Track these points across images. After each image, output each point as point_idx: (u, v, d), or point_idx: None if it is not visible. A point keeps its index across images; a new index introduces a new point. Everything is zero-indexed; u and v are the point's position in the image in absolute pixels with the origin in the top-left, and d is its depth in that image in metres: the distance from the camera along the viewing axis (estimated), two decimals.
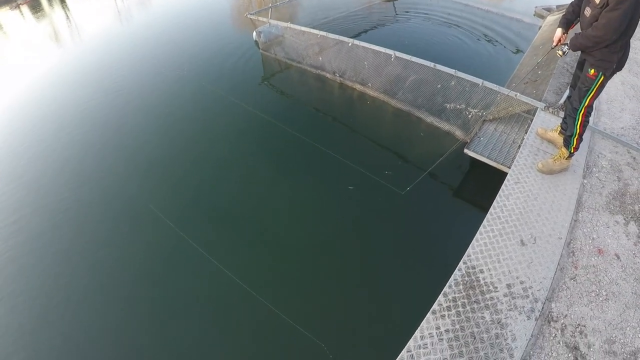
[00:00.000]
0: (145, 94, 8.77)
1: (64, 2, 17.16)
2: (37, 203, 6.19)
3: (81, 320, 4.60)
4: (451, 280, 3.66)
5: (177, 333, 4.37)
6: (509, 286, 3.57)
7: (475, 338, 3.24)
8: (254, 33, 9.72)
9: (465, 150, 5.47)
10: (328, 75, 8.49)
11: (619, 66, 3.94)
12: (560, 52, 4.22)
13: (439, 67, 6.39)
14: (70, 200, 6.15)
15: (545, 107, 5.57)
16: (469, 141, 5.63)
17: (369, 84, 7.74)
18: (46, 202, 6.20)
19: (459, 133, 6.28)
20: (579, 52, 4.14)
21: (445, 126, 6.57)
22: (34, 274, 5.18)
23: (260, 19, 9.53)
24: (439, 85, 6.48)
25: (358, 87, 7.96)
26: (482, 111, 5.95)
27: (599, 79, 3.96)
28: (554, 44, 4.37)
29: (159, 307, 4.64)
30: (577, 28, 4.25)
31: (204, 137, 7.21)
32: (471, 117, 6.09)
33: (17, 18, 15.79)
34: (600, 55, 3.84)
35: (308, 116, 7.54)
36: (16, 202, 6.27)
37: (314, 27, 8.49)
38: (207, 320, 4.50)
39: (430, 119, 6.78)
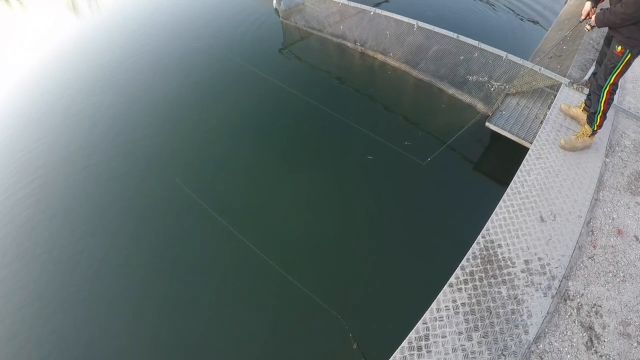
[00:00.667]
0: (166, 62, 8.70)
1: None
2: (64, 167, 6.31)
3: (110, 275, 4.85)
4: (469, 254, 3.63)
5: (200, 300, 4.51)
6: (526, 262, 3.54)
7: (491, 313, 3.23)
8: (274, 0, 9.48)
9: (487, 124, 5.37)
10: (349, 44, 8.29)
11: None
12: (588, 26, 4.09)
13: (462, 38, 6.23)
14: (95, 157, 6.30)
15: (569, 82, 5.44)
16: (490, 114, 5.52)
17: (391, 54, 7.56)
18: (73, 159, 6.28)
19: (480, 106, 6.15)
20: (606, 28, 3.99)
21: (467, 98, 6.44)
22: (68, 229, 5.41)
23: None
24: (462, 57, 6.33)
25: (379, 56, 7.78)
26: (504, 84, 5.82)
27: (626, 57, 3.85)
28: (582, 17, 4.23)
29: (183, 273, 4.77)
30: (606, 3, 4.10)
31: (223, 105, 7.19)
32: (493, 90, 5.96)
33: None
34: (628, 33, 3.71)
35: (328, 85, 7.41)
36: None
37: None
38: (229, 289, 4.60)
39: (452, 90, 6.64)
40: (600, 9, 3.80)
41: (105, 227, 5.34)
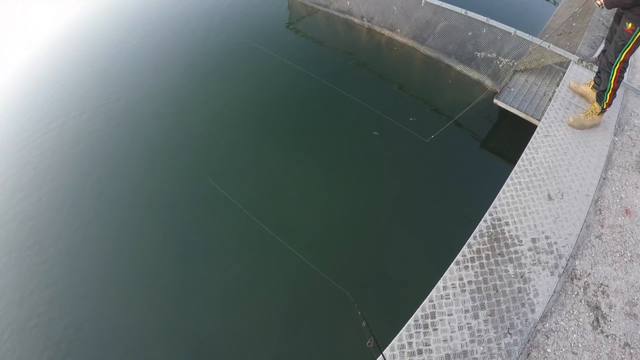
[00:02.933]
0: (170, 45, 8.63)
1: None
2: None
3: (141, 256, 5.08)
4: (476, 232, 3.59)
5: (219, 277, 4.70)
6: (533, 240, 3.50)
7: (497, 291, 3.20)
8: None
9: (495, 100, 5.28)
10: (356, 20, 8.09)
11: None
12: (598, 2, 3.97)
13: (471, 14, 6.10)
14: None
15: (578, 60, 5.33)
16: (498, 91, 5.43)
17: (398, 30, 7.40)
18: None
19: (488, 82, 6.05)
20: None
21: (475, 75, 6.33)
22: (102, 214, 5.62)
23: None
24: (470, 33, 6.20)
25: (386, 32, 7.61)
26: (513, 61, 5.71)
27: (637, 34, 3.75)
28: None
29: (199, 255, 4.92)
30: None
31: (230, 86, 7.18)
32: (502, 66, 5.85)
33: None
34: (639, 10, 3.61)
35: (334, 62, 7.31)
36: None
37: None
38: (243, 265, 4.73)
39: (459, 67, 6.52)
40: None
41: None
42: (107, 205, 5.68)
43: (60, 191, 6.10)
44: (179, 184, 5.59)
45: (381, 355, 2.70)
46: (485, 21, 5.91)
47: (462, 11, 6.13)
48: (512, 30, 5.68)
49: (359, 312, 2.87)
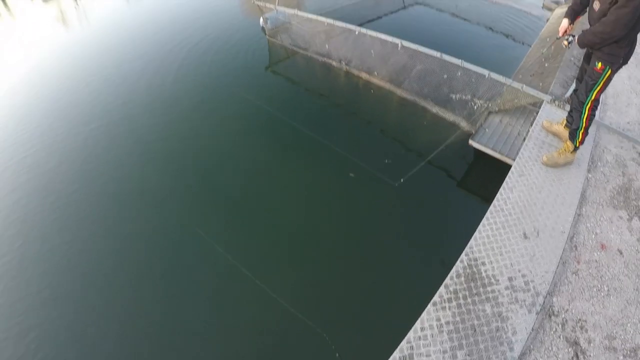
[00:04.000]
0: (145, 86, 8.65)
1: None
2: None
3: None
4: (452, 272, 3.64)
5: (181, 318, 4.44)
6: (510, 279, 3.56)
7: (475, 330, 3.23)
8: (261, 19, 9.62)
9: (470, 141, 5.44)
10: (334, 63, 8.41)
11: (626, 60, 3.89)
12: (565, 42, 4.16)
13: (446, 57, 6.31)
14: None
15: (551, 99, 5.53)
16: (474, 132, 5.59)
17: (375, 73, 7.67)
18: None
19: (464, 124, 6.23)
20: None
21: (450, 117, 6.52)
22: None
23: (268, 5, 9.39)
24: (445, 76, 6.42)
25: (364, 75, 7.89)
26: (488, 102, 5.90)
27: (606, 73, 3.91)
28: (560, 34, 4.31)
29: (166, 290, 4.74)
30: (583, 19, 4.19)
31: (206, 126, 7.21)
32: (477, 108, 6.04)
33: None
34: (607, 50, 3.79)
35: (312, 104, 7.47)
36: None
37: (321, 15, 8.35)
38: (209, 305, 4.55)
39: (435, 109, 6.73)
40: (582, 30, 3.87)
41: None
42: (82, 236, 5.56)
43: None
44: (159, 227, 5.49)
45: None
46: (459, 64, 6.11)
47: (438, 54, 6.34)
48: (486, 72, 5.86)
49: (337, 354, 2.88)
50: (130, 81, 8.82)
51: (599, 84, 4.01)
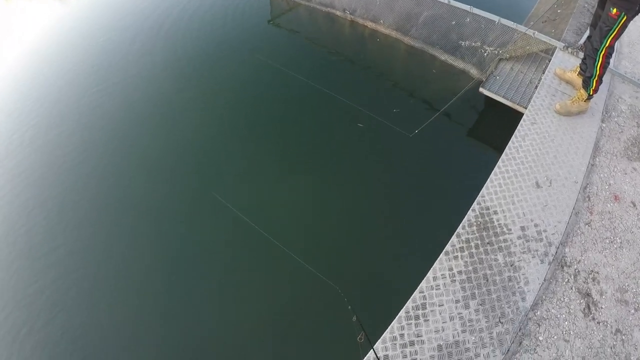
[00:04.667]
0: (151, 43, 8.41)
1: None
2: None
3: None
4: (464, 221, 3.55)
5: (209, 281, 4.63)
6: (523, 229, 3.46)
7: (487, 280, 3.16)
8: None
9: (481, 89, 5.24)
10: (338, 13, 7.96)
11: None
12: None
13: (454, 2, 6.09)
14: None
15: (564, 46, 5.31)
16: (484, 80, 5.38)
17: (381, 21, 7.30)
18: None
19: (474, 71, 6.01)
20: None
21: (460, 64, 6.27)
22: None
23: None
24: (454, 22, 6.16)
25: (369, 24, 7.50)
26: (498, 49, 5.68)
27: (621, 19, 3.71)
28: None
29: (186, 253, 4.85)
30: None
31: (210, 83, 7.04)
32: (487, 55, 5.81)
33: None
34: None
35: (317, 57, 7.17)
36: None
37: None
38: (231, 263, 4.69)
39: (444, 56, 6.46)
40: None
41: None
42: (98, 209, 5.55)
43: (57, 196, 5.92)
44: (175, 191, 5.49)
45: (372, 350, 2.64)
46: (468, 10, 5.90)
47: (445, 0, 6.11)
48: (496, 18, 5.67)
49: (350, 307, 2.82)
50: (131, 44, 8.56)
51: (614, 31, 3.82)
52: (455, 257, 3.30)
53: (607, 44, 3.91)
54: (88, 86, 7.55)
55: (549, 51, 5.40)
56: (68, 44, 9.21)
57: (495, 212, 3.57)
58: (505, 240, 3.38)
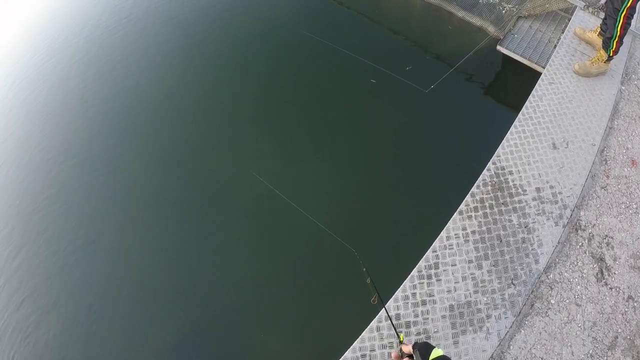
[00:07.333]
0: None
1: None
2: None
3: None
4: (479, 181, 3.44)
5: (237, 236, 4.78)
6: (538, 190, 3.37)
7: (501, 241, 3.08)
8: None
9: (498, 47, 5.05)
10: None
11: None
12: None
13: None
14: None
15: (584, 6, 5.10)
16: (502, 38, 5.18)
17: None
18: None
19: (491, 29, 5.77)
20: None
21: (477, 21, 6.02)
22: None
23: None
24: None
25: None
26: (516, 7, 5.45)
27: None
28: None
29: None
30: None
31: (218, 48, 6.87)
32: (505, 12, 5.57)
33: None
34: None
35: (330, 12, 6.90)
36: None
37: None
38: (252, 223, 4.81)
39: (461, 13, 6.18)
40: None
41: None
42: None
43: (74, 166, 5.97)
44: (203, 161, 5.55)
45: (384, 309, 2.59)
46: None
47: None
48: None
49: (364, 269, 2.75)
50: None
51: None
52: (469, 217, 3.21)
53: (628, 5, 3.75)
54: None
55: (569, 10, 5.19)
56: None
57: (511, 173, 3.47)
58: (520, 202, 3.29)
